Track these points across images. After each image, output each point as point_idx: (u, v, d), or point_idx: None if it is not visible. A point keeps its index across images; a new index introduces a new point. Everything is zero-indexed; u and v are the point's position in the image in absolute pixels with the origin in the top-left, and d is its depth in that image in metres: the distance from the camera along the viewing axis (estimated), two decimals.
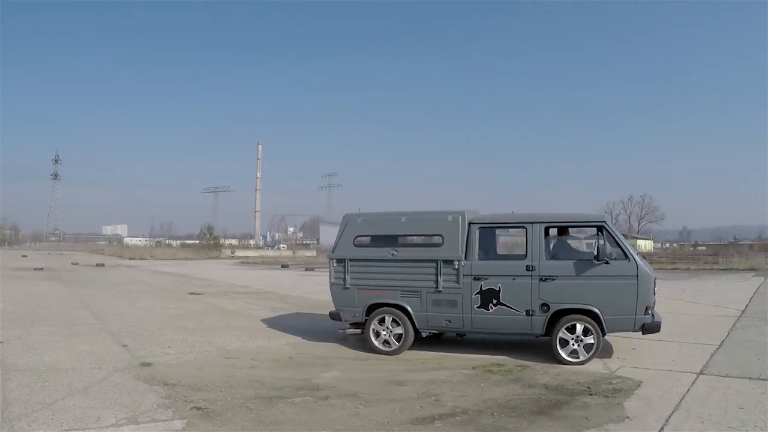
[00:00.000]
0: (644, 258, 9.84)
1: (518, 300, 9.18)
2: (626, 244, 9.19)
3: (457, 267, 9.50)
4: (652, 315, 8.95)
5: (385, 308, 10.01)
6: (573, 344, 8.83)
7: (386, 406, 6.42)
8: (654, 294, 9.05)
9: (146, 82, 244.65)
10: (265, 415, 6.01)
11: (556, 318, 9.01)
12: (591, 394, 6.85)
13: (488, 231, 10.11)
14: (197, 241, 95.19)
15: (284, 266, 48.49)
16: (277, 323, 13.16)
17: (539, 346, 9.81)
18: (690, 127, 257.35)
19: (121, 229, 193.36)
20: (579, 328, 8.81)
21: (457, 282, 9.50)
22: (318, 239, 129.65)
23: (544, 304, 9.05)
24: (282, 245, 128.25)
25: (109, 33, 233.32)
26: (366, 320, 10.11)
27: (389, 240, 10.36)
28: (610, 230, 9.15)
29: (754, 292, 20.44)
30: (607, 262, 8.83)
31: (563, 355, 8.83)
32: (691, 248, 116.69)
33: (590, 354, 8.73)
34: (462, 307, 9.48)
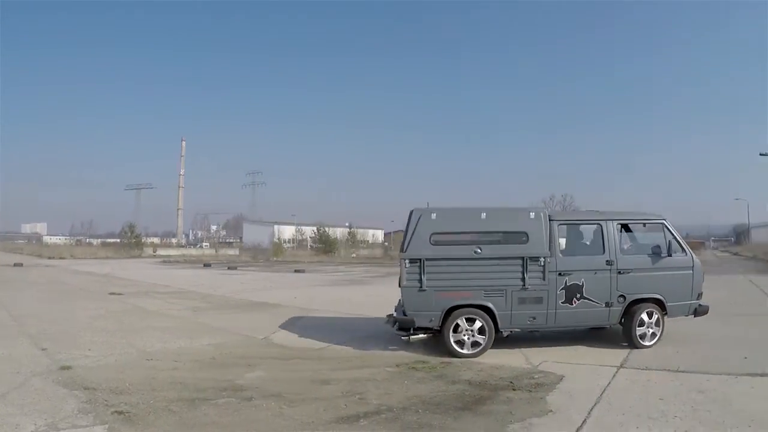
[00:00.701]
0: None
1: (599, 293, 9.56)
2: (682, 239, 10.21)
3: (543, 264, 9.48)
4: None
5: (466, 309, 9.38)
6: (647, 329, 9.57)
7: (311, 405, 6.24)
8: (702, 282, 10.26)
9: (64, 78, 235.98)
10: (188, 418, 5.75)
11: (629, 308, 9.63)
12: (514, 389, 6.83)
13: (568, 228, 10.27)
14: (118, 240, 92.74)
15: (207, 265, 47.72)
16: (200, 323, 12.80)
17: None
18: (606, 126, 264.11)
19: (41, 228, 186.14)
20: (649, 315, 9.60)
21: (543, 278, 9.46)
22: (241, 237, 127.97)
23: (621, 296, 9.60)
24: (205, 244, 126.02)
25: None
26: (443, 324, 9.33)
27: (472, 237, 9.74)
28: (669, 227, 10.13)
29: None
30: (670, 255, 9.83)
31: (641, 341, 9.50)
32: None
33: (658, 338, 9.63)
34: (547, 303, 9.45)
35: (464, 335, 9.26)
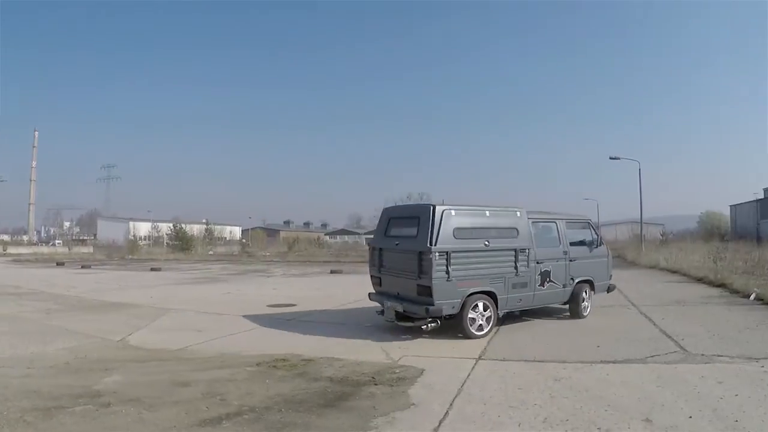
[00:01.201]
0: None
1: (560, 277, 11.95)
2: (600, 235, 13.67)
3: (528, 254, 11.16)
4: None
5: (477, 296, 10.35)
6: (587, 303, 12.60)
7: (171, 409, 5.99)
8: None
9: None
10: (43, 428, 5.36)
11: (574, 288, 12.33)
12: (376, 384, 6.87)
13: (535, 224, 11.89)
14: None
15: (60, 264, 45.27)
16: (53, 326, 11.97)
17: (324, 340, 9.83)
18: (465, 126, 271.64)
19: None
20: (586, 293, 12.57)
21: (527, 266, 11.14)
22: (95, 235, 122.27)
23: (571, 278, 12.22)
24: (57, 241, 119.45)
25: None
26: (462, 310, 10.13)
27: (480, 232, 10.70)
28: (593, 225, 13.65)
29: None
30: (597, 247, 13.05)
31: (583, 313, 12.46)
32: None
33: (589, 309, 12.65)
34: (531, 286, 11.27)
35: (478, 319, 10.28)
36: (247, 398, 6.37)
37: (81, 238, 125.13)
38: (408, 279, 10.51)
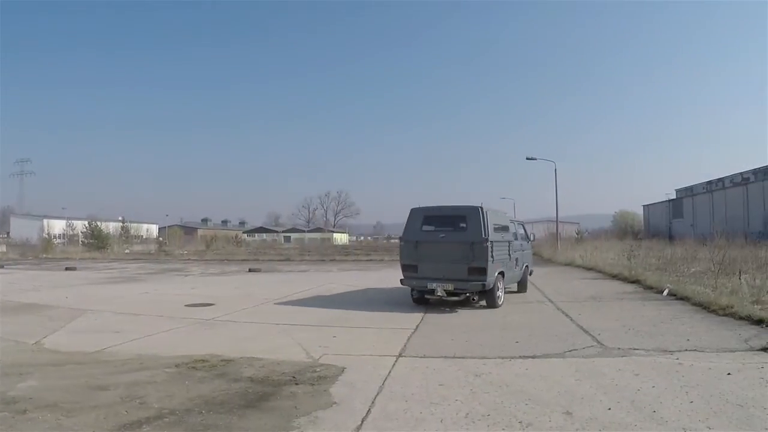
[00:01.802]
0: None
1: (521, 262, 16.50)
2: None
3: (510, 245, 14.91)
4: None
5: (499, 275, 13.74)
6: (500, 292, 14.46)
7: (90, 414, 5.75)
8: None
9: None
10: None
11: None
12: (297, 384, 6.80)
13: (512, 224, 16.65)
14: None
15: None
16: None
17: (242, 340, 9.71)
18: (384, 127, 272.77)
19: None
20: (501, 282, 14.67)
21: (512, 254, 15.15)
22: (8, 233, 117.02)
23: (524, 264, 17.14)
24: None
25: None
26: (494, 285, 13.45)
27: (502, 229, 14.58)
28: (524, 225, 19.43)
29: None
30: (528, 240, 18.67)
31: (526, 287, 17.22)
32: (385, 241, 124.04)
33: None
34: (513, 269, 15.32)
35: (500, 292, 13.87)
36: (167, 401, 6.19)
37: None
38: (457, 264, 13.06)
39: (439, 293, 13.21)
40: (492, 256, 12.87)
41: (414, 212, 14.40)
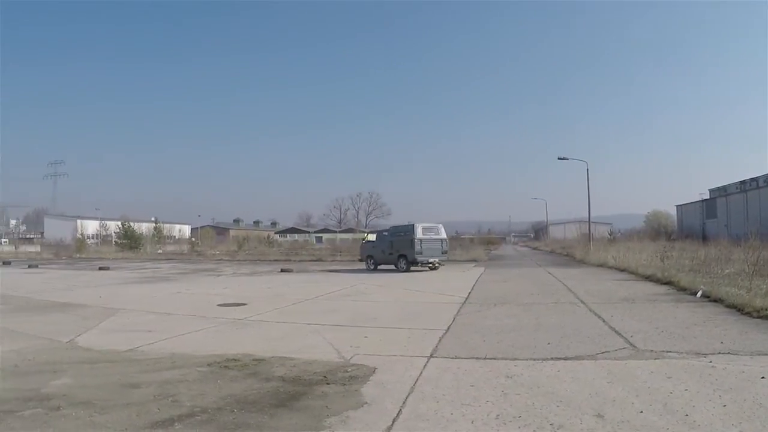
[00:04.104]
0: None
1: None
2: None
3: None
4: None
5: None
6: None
7: (122, 411, 5.83)
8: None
9: None
10: None
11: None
12: (328, 383, 6.80)
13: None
14: None
15: (6, 263, 44.34)
16: None
17: (274, 340, 9.78)
18: (411, 126, 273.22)
19: None
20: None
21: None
22: (42, 233, 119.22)
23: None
24: (3, 240, 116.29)
25: None
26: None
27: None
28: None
29: (476, 281, 22.27)
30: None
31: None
32: None
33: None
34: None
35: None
36: (199, 399, 6.25)
37: (28, 236, 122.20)
38: (435, 249, 30.40)
39: (431, 261, 30.29)
40: (421, 248, 29.39)
41: (413, 226, 30.26)
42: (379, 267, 31.64)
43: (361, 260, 34.13)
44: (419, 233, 29.13)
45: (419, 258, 29.02)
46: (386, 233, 32.67)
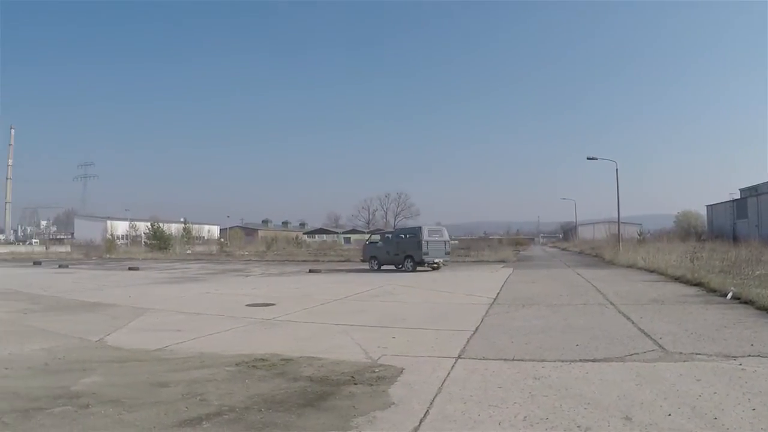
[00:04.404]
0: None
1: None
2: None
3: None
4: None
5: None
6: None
7: (151, 410, 5.87)
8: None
9: None
10: (22, 429, 5.24)
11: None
12: (356, 384, 6.79)
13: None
14: None
15: (37, 263, 45.07)
16: (30, 326, 11.80)
17: (302, 340, 9.81)
18: (441, 126, 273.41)
19: None
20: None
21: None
22: (72, 234, 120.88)
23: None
24: (34, 240, 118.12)
25: None
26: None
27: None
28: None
29: (504, 282, 22.17)
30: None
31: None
32: None
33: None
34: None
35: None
36: (227, 398, 6.28)
37: (58, 237, 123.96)
38: (440, 250, 32.04)
39: (437, 261, 31.70)
40: (427, 248, 30.82)
41: (419, 228, 32.21)
42: (382, 267, 32.99)
43: (363, 261, 35.47)
44: (426, 235, 30.89)
45: (426, 258, 30.68)
46: (389, 236, 35.28)
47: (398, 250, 32.06)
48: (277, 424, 5.39)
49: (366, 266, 33.25)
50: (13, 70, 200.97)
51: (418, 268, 31.13)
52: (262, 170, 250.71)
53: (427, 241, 30.75)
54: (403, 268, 31.24)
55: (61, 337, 10.55)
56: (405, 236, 32.80)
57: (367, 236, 42.32)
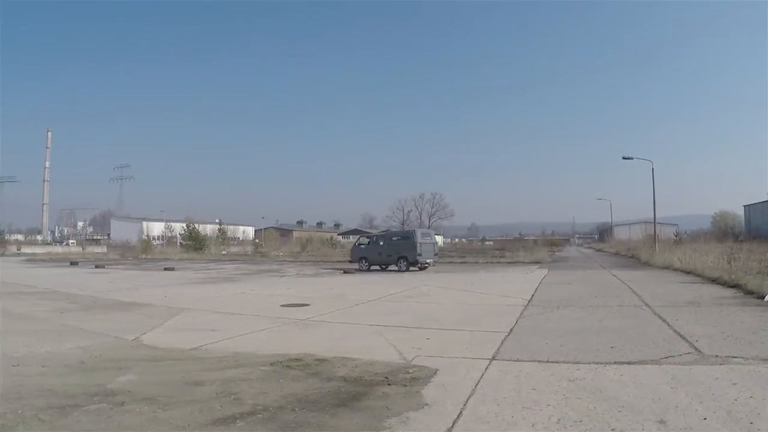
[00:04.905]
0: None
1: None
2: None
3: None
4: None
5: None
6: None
7: (185, 408, 5.94)
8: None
9: None
10: (59, 426, 5.34)
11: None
12: (389, 384, 6.79)
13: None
14: None
15: (73, 263, 45.87)
16: (67, 325, 12.03)
17: (336, 340, 9.84)
18: (476, 127, 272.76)
19: None
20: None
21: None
22: (109, 234, 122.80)
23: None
24: (71, 241, 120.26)
25: None
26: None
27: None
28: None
29: (539, 283, 21.97)
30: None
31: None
32: (479, 243, 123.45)
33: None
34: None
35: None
36: (261, 398, 6.32)
37: (94, 237, 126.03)
38: (408, 251, 33.04)
39: (428, 261, 33.88)
40: (420, 248, 32.78)
41: (414, 232, 35.54)
42: (371, 268, 35.11)
43: (351, 261, 37.49)
44: (419, 238, 33.64)
45: (419, 259, 32.99)
46: (378, 238, 38.02)
47: (392, 251, 34.14)
48: (310, 423, 5.42)
49: (397, 268, 33.25)
50: (51, 71, 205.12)
51: (411, 268, 33.36)
52: (297, 172, 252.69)
53: (421, 243, 33.16)
54: (397, 268, 33.21)
55: (97, 335, 10.73)
56: (399, 239, 35.56)
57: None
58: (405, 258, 33.17)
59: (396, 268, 33.19)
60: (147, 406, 6.02)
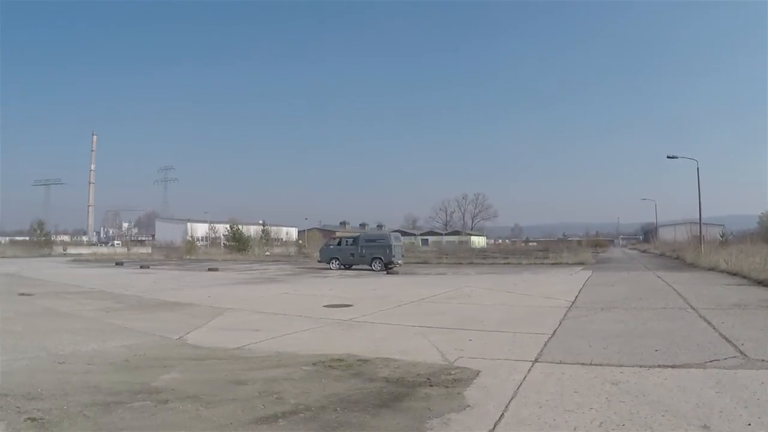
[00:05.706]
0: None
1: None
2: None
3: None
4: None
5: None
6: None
7: (228, 406, 6.02)
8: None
9: None
10: (103, 423, 5.45)
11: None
12: (431, 385, 6.78)
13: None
14: (27, 238, 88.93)
15: (119, 264, 46.65)
16: (112, 324, 12.24)
17: (379, 341, 9.86)
18: (520, 128, 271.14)
19: None
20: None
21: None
22: (153, 235, 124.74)
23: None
24: (116, 242, 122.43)
25: None
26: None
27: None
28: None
29: (583, 285, 21.77)
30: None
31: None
32: (523, 244, 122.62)
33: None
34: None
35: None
36: (303, 397, 6.36)
37: (139, 238, 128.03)
38: (382, 252, 35.57)
39: (399, 262, 36.16)
40: (392, 251, 35.25)
41: (388, 235, 38.61)
42: (352, 267, 37.54)
43: (320, 261, 40.02)
44: (393, 241, 36.72)
45: (393, 260, 35.48)
46: (349, 240, 39.43)
47: (365, 253, 36.57)
48: (352, 423, 5.43)
49: (443, 268, 33.53)
50: (97, 75, 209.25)
51: (376, 268, 35.65)
52: (340, 172, 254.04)
53: (394, 246, 36.09)
54: (371, 268, 35.54)
55: (141, 334, 10.92)
56: (374, 241, 37.71)
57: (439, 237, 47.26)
58: (380, 259, 35.56)
59: (370, 268, 35.53)
60: (190, 404, 6.11)
